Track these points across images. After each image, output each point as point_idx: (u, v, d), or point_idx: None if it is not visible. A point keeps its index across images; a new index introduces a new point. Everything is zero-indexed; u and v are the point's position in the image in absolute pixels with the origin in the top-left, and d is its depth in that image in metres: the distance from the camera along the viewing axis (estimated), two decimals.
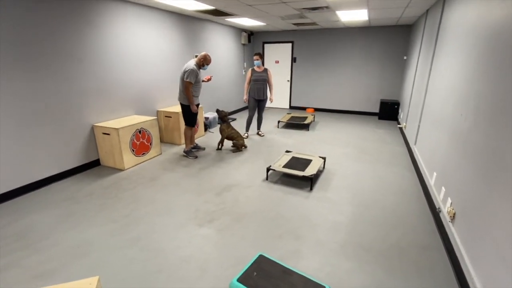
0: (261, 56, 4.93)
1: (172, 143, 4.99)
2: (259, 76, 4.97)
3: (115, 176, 3.58)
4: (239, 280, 1.75)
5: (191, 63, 3.87)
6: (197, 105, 4.21)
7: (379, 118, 7.10)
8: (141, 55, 4.42)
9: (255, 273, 1.80)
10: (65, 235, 2.38)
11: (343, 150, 4.63)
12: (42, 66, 3.08)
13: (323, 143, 5.02)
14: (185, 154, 4.33)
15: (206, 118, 5.88)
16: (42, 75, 3.09)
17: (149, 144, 4.14)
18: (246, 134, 5.41)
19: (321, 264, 2.06)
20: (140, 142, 3.97)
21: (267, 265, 1.89)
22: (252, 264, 1.89)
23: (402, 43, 6.84)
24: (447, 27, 3.18)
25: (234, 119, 6.94)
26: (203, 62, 3.95)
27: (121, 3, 3.94)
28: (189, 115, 4.13)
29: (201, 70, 4.03)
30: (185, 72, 3.84)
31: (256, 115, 5.44)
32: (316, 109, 8.22)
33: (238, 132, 4.57)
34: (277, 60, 8.27)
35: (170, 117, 4.82)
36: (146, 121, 4.04)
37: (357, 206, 2.88)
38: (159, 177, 3.56)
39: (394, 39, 6.88)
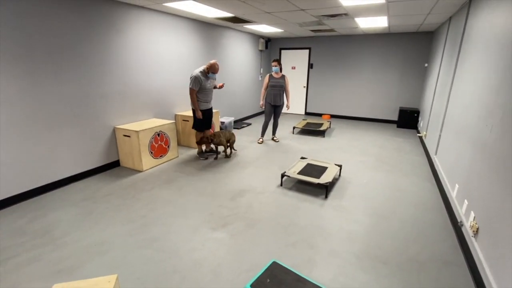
0: (279, 62, 4.96)
1: (189, 147, 5.08)
2: (276, 82, 5.00)
3: (134, 177, 3.69)
4: (252, 286, 1.75)
5: (197, 70, 4.02)
6: (209, 110, 4.36)
7: (398, 126, 6.93)
8: (161, 61, 4.57)
9: (268, 280, 1.80)
10: (85, 233, 2.47)
11: (359, 158, 4.55)
12: (69, 70, 3.25)
13: (339, 151, 4.95)
14: (197, 156, 4.53)
15: (222, 123, 5.95)
16: (68, 79, 3.26)
17: (167, 147, 4.24)
18: (261, 139, 5.42)
19: (335, 274, 2.02)
20: (159, 145, 4.07)
21: (281, 272, 1.88)
22: (265, 271, 1.88)
23: (423, 50, 6.67)
24: (471, 34, 3.08)
25: (249, 124, 6.99)
26: (209, 69, 4.06)
27: (145, 10, 4.10)
28: (196, 120, 4.28)
29: (209, 77, 4.12)
30: (190, 78, 4.02)
31: (272, 121, 5.44)
32: (332, 116, 8.13)
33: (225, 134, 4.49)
34: (294, 66, 8.28)
35: (188, 121, 4.92)
36: (165, 124, 4.14)
37: (374, 216, 2.81)
38: (176, 179, 3.63)
39: (415, 46, 6.72)
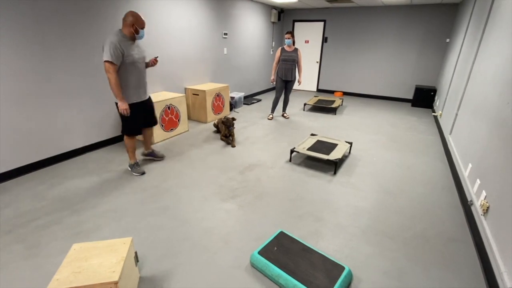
0: (293, 35, 4.76)
1: (199, 121, 5.10)
2: (288, 56, 4.84)
3: None
4: (259, 252, 1.82)
5: (111, 35, 2.50)
6: (144, 103, 2.85)
7: (413, 105, 6.72)
8: (171, 32, 4.46)
9: (275, 248, 1.86)
10: (100, 200, 2.58)
11: (371, 137, 4.48)
12: (82, 41, 3.22)
13: (351, 128, 4.88)
14: (129, 169, 3.08)
15: (232, 98, 5.90)
16: (83, 49, 3.24)
17: (177, 120, 4.27)
18: (271, 116, 5.38)
19: (341, 246, 2.07)
20: (169, 118, 4.10)
21: (287, 241, 1.94)
22: (272, 240, 1.95)
23: (445, 24, 6.27)
24: (501, 6, 2.85)
25: (259, 100, 6.91)
26: (135, 26, 2.55)
27: None
28: (122, 117, 2.76)
29: (136, 39, 2.67)
30: (102, 48, 2.48)
31: (282, 97, 5.35)
32: (345, 93, 7.93)
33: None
34: (307, 39, 7.97)
35: (197, 95, 4.89)
36: (175, 97, 4.14)
37: (382, 194, 2.81)
38: (186, 152, 3.69)
39: (437, 19, 6.32)
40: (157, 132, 3.94)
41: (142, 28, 2.61)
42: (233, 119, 4.11)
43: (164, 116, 4.00)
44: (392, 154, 3.81)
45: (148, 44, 4.09)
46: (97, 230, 2.18)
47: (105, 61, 2.44)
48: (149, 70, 4.18)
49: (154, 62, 2.95)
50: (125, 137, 2.92)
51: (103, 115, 3.68)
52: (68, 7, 3.04)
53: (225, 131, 4.09)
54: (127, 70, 2.58)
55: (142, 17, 2.60)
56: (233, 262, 1.89)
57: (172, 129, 4.21)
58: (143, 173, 3.07)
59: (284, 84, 5.10)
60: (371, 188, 2.92)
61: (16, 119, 2.84)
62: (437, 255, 2.00)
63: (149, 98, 3.00)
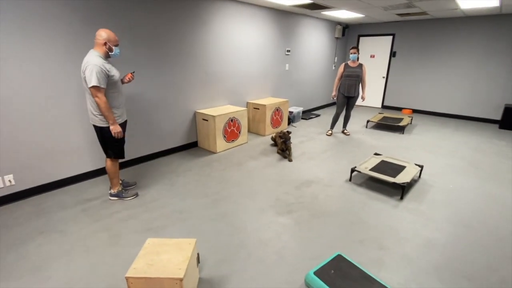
0: (358, 50, 4.64)
1: (257, 134, 5.27)
2: (352, 71, 4.71)
3: (209, 157, 4.04)
4: (315, 273, 1.77)
5: (92, 57, 2.36)
6: (124, 123, 2.73)
7: (501, 127, 5.77)
8: (238, 51, 4.78)
9: (332, 271, 1.79)
10: (169, 201, 2.85)
11: (446, 161, 3.99)
12: (165, 62, 3.70)
13: (421, 150, 4.43)
14: (115, 197, 2.87)
15: (291, 113, 5.96)
16: (164, 68, 3.72)
17: (238, 132, 4.50)
18: (330, 132, 5.24)
19: (407, 280, 1.87)
20: (231, 130, 4.35)
21: (346, 266, 1.84)
22: (329, 261, 1.87)
23: None
24: None
25: (318, 115, 6.81)
26: (109, 44, 2.44)
27: (227, 2, 4.33)
28: (112, 141, 2.64)
29: (112, 57, 2.54)
30: (84, 71, 2.34)
31: (343, 113, 5.19)
32: (415, 111, 7.27)
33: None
34: (373, 54, 7.63)
35: (258, 109, 5.09)
36: (238, 111, 4.38)
37: (460, 227, 2.46)
38: (245, 163, 3.84)
39: None
40: (220, 141, 4.21)
41: (116, 45, 2.50)
42: (289, 132, 4.14)
43: (227, 128, 4.26)
44: (473, 182, 3.32)
45: (218, 62, 4.46)
46: (165, 228, 2.41)
47: (92, 87, 2.32)
48: (216, 85, 4.56)
49: (130, 78, 2.81)
50: (110, 163, 2.75)
51: (174, 124, 4.10)
52: (159, 33, 3.54)
53: (282, 145, 4.14)
54: (112, 90, 2.50)
55: (114, 34, 2.47)
56: (286, 278, 1.88)
57: (233, 140, 4.45)
58: (136, 195, 2.95)
59: (346, 100, 4.95)
60: (446, 219, 2.58)
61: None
62: None
63: (126, 121, 2.84)
